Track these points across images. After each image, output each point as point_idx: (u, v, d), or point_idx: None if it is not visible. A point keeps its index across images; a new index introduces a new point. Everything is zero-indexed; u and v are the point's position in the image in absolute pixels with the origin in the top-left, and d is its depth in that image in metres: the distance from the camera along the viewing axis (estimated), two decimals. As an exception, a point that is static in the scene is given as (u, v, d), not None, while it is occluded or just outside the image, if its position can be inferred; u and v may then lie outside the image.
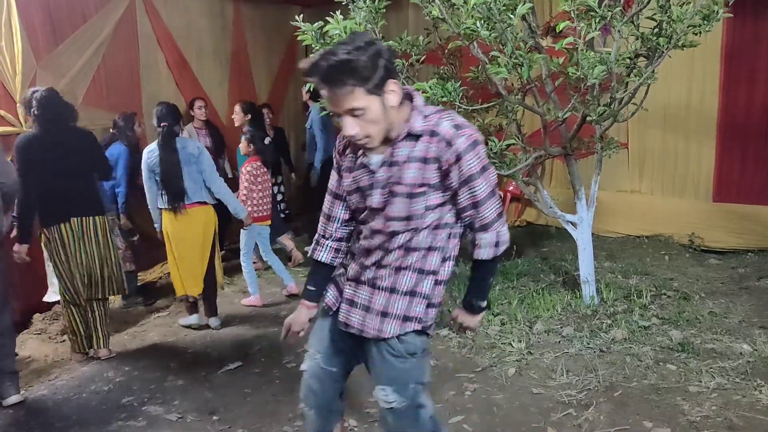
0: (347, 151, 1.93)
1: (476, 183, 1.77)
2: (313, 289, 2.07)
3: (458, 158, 1.73)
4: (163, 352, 4.15)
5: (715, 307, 4.15)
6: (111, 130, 4.99)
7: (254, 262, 5.43)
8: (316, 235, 2.07)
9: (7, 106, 4.60)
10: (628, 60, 3.79)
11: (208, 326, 4.57)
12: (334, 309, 2.01)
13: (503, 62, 3.48)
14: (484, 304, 2.02)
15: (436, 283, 1.89)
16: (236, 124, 5.76)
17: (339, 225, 2.01)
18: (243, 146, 5.07)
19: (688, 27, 3.50)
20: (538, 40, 3.92)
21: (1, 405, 3.44)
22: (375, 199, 1.83)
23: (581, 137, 4.38)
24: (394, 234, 1.83)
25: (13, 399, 3.46)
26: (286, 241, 5.77)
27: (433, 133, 1.74)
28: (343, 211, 1.99)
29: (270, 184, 5.21)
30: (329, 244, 2.03)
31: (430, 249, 1.85)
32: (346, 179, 1.92)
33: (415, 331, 1.90)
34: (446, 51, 4.35)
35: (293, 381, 3.59)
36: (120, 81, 5.58)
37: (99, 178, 4.14)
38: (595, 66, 3.41)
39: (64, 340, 4.46)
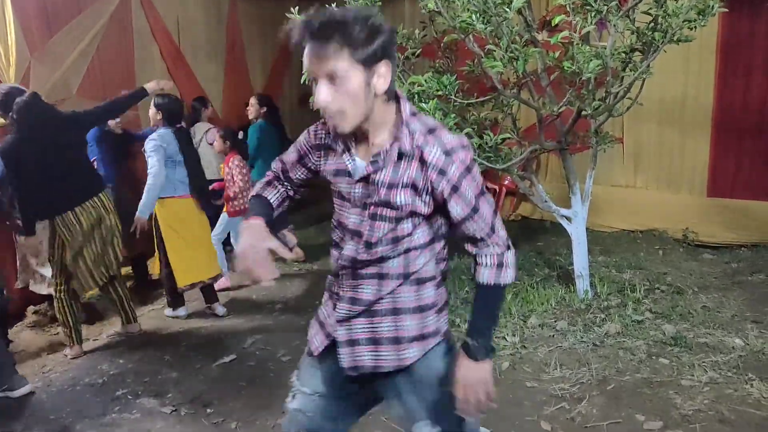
0: (322, 142, 1.69)
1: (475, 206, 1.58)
2: (258, 211, 1.71)
3: (454, 189, 1.54)
4: (158, 344, 4.15)
5: (708, 301, 4.17)
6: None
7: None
8: (267, 178, 1.83)
9: (0, 98, 4.58)
10: (623, 54, 3.79)
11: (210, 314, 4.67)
12: (321, 352, 1.76)
13: (499, 56, 3.48)
14: (487, 346, 1.62)
15: (437, 286, 1.70)
16: (250, 117, 5.83)
17: (294, 186, 1.83)
18: (218, 144, 5.18)
19: (683, 22, 3.50)
20: (534, 34, 3.92)
21: None
22: (352, 219, 1.63)
23: (576, 132, 4.38)
24: (382, 259, 1.63)
25: None
26: (289, 235, 5.84)
27: (422, 159, 1.53)
28: (303, 176, 1.79)
29: (250, 177, 5.32)
30: (283, 192, 1.82)
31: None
32: (327, 175, 1.70)
33: (437, 348, 1.69)
34: (442, 44, 4.34)
35: (288, 374, 3.58)
36: (114, 73, 5.56)
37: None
38: (591, 60, 3.41)
39: (57, 333, 4.46)
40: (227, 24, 7.01)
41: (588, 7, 3.42)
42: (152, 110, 4.37)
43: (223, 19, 6.95)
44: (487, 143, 3.85)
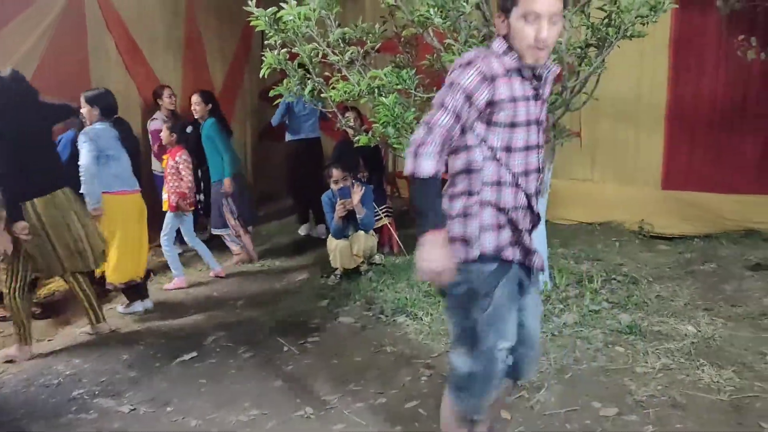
0: (504, 78, 1.91)
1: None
2: (441, 216, 1.90)
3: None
4: (115, 344, 4.07)
5: (662, 290, 4.28)
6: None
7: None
8: (436, 147, 1.87)
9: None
10: (578, 49, 3.85)
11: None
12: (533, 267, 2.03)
13: (458, 50, 3.50)
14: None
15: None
16: (196, 116, 5.72)
17: (449, 146, 1.96)
18: (165, 136, 5.15)
19: (636, 17, 3.57)
20: (492, 28, 3.95)
21: None
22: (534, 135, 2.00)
23: (535, 126, 4.43)
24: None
25: None
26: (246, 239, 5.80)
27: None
28: (457, 134, 1.97)
29: (192, 174, 5.30)
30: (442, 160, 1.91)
31: None
32: (511, 109, 1.92)
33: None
34: (402, 39, 4.34)
35: (249, 371, 3.57)
36: (68, 66, 5.40)
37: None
38: (547, 55, 3.45)
39: (11, 334, 4.33)
40: (185, 16, 6.88)
41: (544, 3, 3.46)
42: (85, 108, 4.31)
43: (180, 11, 6.81)
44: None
